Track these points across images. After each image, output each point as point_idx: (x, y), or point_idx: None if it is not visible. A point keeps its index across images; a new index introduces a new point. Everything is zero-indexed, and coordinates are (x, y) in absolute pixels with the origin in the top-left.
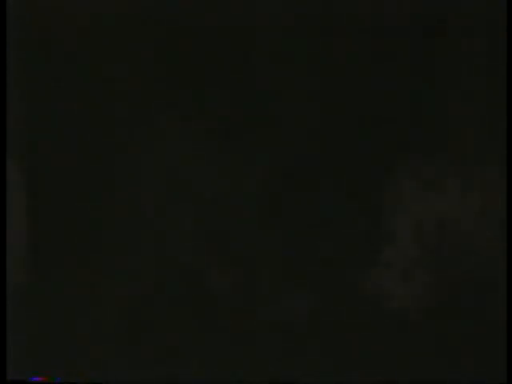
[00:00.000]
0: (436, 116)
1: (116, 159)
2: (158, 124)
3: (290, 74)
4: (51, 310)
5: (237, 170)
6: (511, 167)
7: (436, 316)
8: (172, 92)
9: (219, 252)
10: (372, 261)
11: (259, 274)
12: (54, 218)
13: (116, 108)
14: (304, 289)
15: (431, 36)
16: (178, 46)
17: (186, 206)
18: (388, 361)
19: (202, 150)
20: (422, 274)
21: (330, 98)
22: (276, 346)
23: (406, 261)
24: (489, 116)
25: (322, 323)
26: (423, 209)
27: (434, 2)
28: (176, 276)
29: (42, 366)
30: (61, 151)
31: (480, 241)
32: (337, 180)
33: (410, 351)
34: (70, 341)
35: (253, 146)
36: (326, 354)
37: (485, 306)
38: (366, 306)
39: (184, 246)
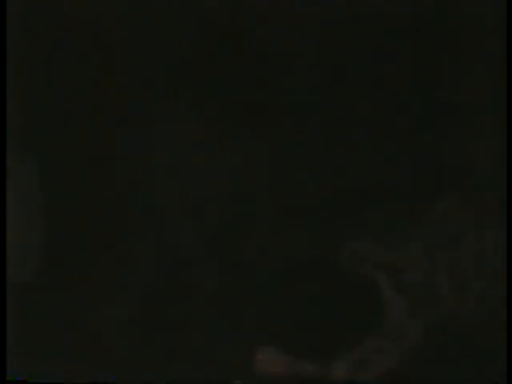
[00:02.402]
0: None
1: (116, 159)
2: (162, 123)
3: (291, 74)
4: (51, 310)
5: (246, 168)
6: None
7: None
8: (174, 90)
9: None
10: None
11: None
12: (54, 217)
13: (116, 108)
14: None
15: (431, 36)
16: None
17: (193, 204)
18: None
19: (210, 149)
20: None
21: (331, 96)
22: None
23: None
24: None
25: None
26: None
27: (434, 2)
28: (178, 275)
29: (42, 366)
30: (60, 151)
31: None
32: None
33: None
34: (70, 341)
35: (261, 145)
36: None
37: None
38: None
39: (189, 243)
